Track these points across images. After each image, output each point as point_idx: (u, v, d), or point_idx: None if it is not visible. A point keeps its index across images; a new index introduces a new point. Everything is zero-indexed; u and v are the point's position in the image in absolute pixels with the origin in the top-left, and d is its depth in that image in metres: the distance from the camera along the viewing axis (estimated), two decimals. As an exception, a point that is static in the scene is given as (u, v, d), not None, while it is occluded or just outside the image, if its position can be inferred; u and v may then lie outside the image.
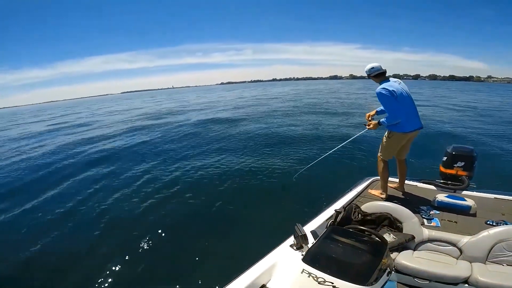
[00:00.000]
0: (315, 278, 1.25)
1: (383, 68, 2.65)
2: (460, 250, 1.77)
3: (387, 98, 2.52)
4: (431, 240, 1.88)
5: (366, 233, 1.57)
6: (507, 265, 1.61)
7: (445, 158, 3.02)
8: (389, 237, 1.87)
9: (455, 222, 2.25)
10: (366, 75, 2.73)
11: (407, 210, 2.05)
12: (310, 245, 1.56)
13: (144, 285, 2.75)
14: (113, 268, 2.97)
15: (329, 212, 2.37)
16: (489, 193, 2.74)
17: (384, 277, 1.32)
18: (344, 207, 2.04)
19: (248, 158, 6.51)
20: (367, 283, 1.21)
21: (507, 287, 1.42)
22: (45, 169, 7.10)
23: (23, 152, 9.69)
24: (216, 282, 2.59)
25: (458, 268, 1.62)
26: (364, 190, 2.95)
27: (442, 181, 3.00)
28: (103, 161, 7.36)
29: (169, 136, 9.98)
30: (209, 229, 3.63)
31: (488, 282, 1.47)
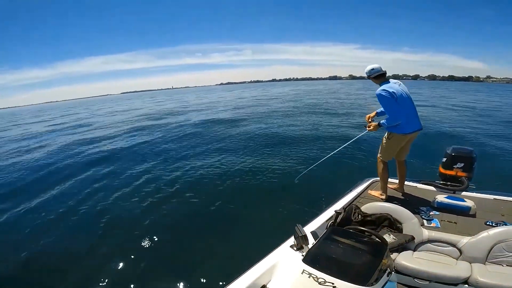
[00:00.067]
0: (316, 279, 1.26)
1: (383, 70, 2.66)
2: (460, 250, 1.78)
3: (387, 99, 2.53)
4: (431, 241, 1.89)
5: (366, 233, 1.58)
6: (507, 265, 1.61)
7: (444, 159, 3.03)
8: (389, 237, 1.88)
9: (454, 223, 2.25)
10: (366, 76, 2.73)
11: (407, 211, 2.05)
12: (310, 245, 1.57)
13: (144, 285, 2.75)
14: (113, 268, 2.98)
15: (329, 213, 2.38)
16: (488, 194, 2.75)
17: (384, 278, 1.33)
18: (344, 208, 2.04)
19: (248, 158, 6.51)
20: (367, 284, 1.22)
21: None
22: (45, 169, 7.11)
23: (23, 152, 9.69)
24: (216, 283, 2.60)
25: (458, 269, 1.63)
26: (364, 191, 2.95)
27: (441, 182, 3.01)
28: (103, 161, 7.37)
29: (169, 136, 9.99)
30: (210, 229, 3.63)
31: (487, 282, 1.48)
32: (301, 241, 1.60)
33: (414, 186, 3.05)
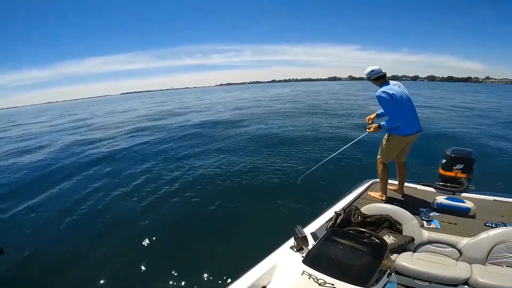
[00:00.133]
0: (316, 280, 1.26)
1: (382, 71, 2.66)
2: (460, 251, 1.78)
3: (387, 101, 2.54)
4: (430, 242, 1.89)
5: (366, 235, 1.58)
6: (507, 266, 1.62)
7: (444, 161, 3.04)
8: (389, 239, 1.88)
9: (454, 224, 2.26)
10: (366, 77, 2.74)
11: (407, 212, 2.06)
12: (310, 246, 1.57)
13: (144, 285, 2.75)
14: (113, 267, 2.98)
15: (329, 214, 2.38)
16: (488, 195, 2.75)
17: (384, 279, 1.33)
18: (344, 209, 2.05)
19: (248, 158, 6.52)
20: (367, 285, 1.22)
21: None
22: (45, 169, 7.11)
23: (23, 152, 9.68)
24: (216, 283, 2.61)
25: (457, 270, 1.63)
26: (364, 192, 2.96)
27: (441, 183, 3.01)
28: (103, 161, 7.37)
29: (169, 137, 9.99)
30: (210, 229, 3.64)
31: (488, 283, 1.48)
32: (301, 242, 1.60)
33: (414, 187, 3.06)
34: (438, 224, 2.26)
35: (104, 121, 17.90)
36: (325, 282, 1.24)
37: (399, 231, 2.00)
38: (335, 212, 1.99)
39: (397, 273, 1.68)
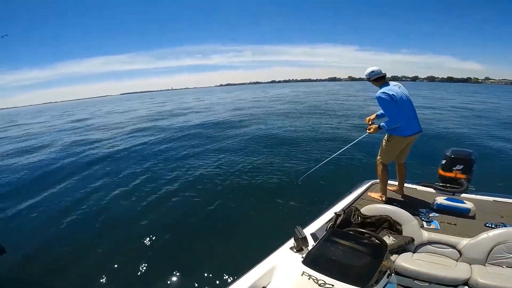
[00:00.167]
0: (315, 281, 1.26)
1: (382, 72, 2.67)
2: (460, 252, 1.78)
3: (387, 102, 2.54)
4: (430, 243, 1.89)
5: (366, 235, 1.58)
6: (507, 267, 1.62)
7: (444, 161, 3.04)
8: (388, 239, 1.88)
9: (454, 225, 2.26)
10: (366, 78, 2.74)
11: (407, 212, 2.06)
12: (310, 247, 1.57)
13: (144, 285, 2.75)
14: (113, 267, 2.98)
15: (329, 214, 2.38)
16: (488, 195, 2.75)
17: (384, 279, 1.33)
18: (343, 210, 2.04)
19: (248, 159, 6.52)
20: (367, 285, 1.22)
21: None
22: (45, 169, 7.12)
23: (22, 152, 9.68)
24: (216, 283, 2.60)
25: (458, 270, 1.63)
26: (363, 193, 2.96)
27: (441, 184, 3.01)
28: (103, 161, 7.38)
29: (169, 137, 10.00)
30: (210, 230, 3.64)
31: (488, 284, 1.48)
32: (301, 243, 1.60)
33: (413, 188, 3.06)
34: (438, 225, 2.26)
35: (104, 122, 17.91)
36: (325, 283, 1.24)
37: (399, 232, 1.99)
38: (335, 213, 1.98)
39: (397, 273, 1.68)
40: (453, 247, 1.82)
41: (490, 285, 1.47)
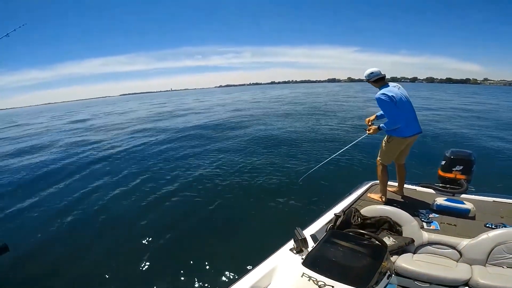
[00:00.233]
0: (315, 282, 1.26)
1: (382, 73, 2.67)
2: (460, 253, 1.78)
3: (387, 103, 2.54)
4: (430, 243, 1.89)
5: (366, 236, 1.58)
6: (507, 267, 1.61)
7: (443, 162, 3.05)
8: (388, 240, 1.88)
9: (454, 225, 2.26)
10: (365, 80, 2.74)
11: (407, 213, 2.06)
12: (310, 248, 1.56)
13: (144, 285, 2.73)
14: (113, 267, 2.98)
15: (328, 216, 2.38)
16: (487, 196, 2.76)
17: (384, 280, 1.33)
18: (343, 211, 2.04)
19: (248, 159, 6.52)
20: (367, 286, 1.22)
21: None
22: (45, 169, 7.11)
23: (23, 153, 9.67)
24: (216, 284, 2.60)
25: (458, 271, 1.63)
26: (363, 194, 2.96)
27: (441, 184, 3.02)
28: (103, 161, 7.38)
29: (169, 138, 9.99)
30: (210, 230, 3.63)
31: (488, 284, 1.48)
32: (301, 244, 1.59)
33: (413, 189, 3.06)
34: (438, 226, 2.26)
35: (104, 122, 17.90)
36: (325, 284, 1.23)
37: (399, 233, 1.99)
38: (334, 214, 1.98)
39: (397, 274, 1.67)
40: (453, 247, 1.81)
41: (491, 285, 1.47)
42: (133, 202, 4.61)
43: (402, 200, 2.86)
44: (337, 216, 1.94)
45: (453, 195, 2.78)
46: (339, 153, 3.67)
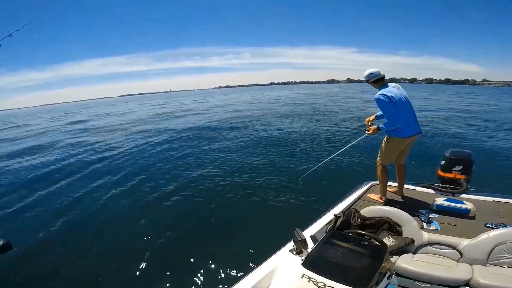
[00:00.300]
0: (315, 283, 1.25)
1: (381, 74, 2.67)
2: (460, 253, 1.77)
3: (386, 104, 2.54)
4: (431, 243, 1.88)
5: (366, 237, 1.57)
6: (508, 267, 1.61)
7: (443, 162, 3.05)
8: (388, 241, 1.87)
9: (454, 225, 2.25)
10: (365, 80, 2.75)
11: (406, 214, 2.05)
12: (309, 249, 1.56)
13: (144, 284, 2.73)
14: (113, 267, 2.98)
15: (328, 216, 2.37)
16: (487, 196, 2.76)
17: (385, 281, 1.32)
18: (343, 212, 2.03)
19: (248, 160, 6.52)
20: (367, 287, 1.21)
21: None
22: (45, 170, 7.10)
23: (23, 154, 9.64)
24: (216, 284, 2.59)
25: (459, 271, 1.62)
26: (363, 195, 2.95)
27: (440, 184, 3.01)
28: (103, 162, 7.37)
29: (169, 138, 9.98)
30: (209, 230, 3.63)
31: (489, 284, 1.47)
32: (300, 245, 1.59)
33: (413, 189, 3.06)
34: (438, 226, 2.25)
35: (103, 123, 17.87)
36: (325, 285, 1.23)
37: (399, 233, 1.99)
38: (334, 215, 1.98)
39: (398, 275, 1.67)
40: (454, 247, 1.81)
41: (492, 285, 1.47)
42: (133, 202, 4.61)
43: (402, 200, 2.86)
44: (336, 217, 1.94)
45: (453, 195, 2.78)
46: (338, 153, 3.67)
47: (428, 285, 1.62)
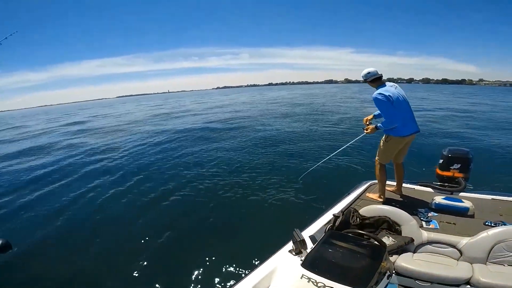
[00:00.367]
0: (315, 283, 1.24)
1: (379, 73, 2.67)
2: (460, 251, 1.77)
3: (384, 103, 2.54)
4: (430, 242, 1.88)
5: (365, 237, 1.57)
6: (508, 265, 1.61)
7: (441, 161, 3.05)
8: (388, 240, 1.86)
9: (453, 224, 2.25)
10: (363, 80, 2.74)
11: (405, 213, 2.05)
12: (308, 250, 1.55)
13: (143, 284, 2.71)
14: (113, 267, 2.98)
15: (327, 216, 2.36)
16: (486, 194, 2.76)
17: (385, 280, 1.32)
18: (342, 211, 2.03)
19: (247, 160, 6.51)
20: (367, 287, 1.20)
21: None
22: (44, 170, 7.08)
23: (22, 154, 9.61)
24: (216, 285, 2.57)
25: (459, 270, 1.62)
26: (362, 194, 2.95)
27: (439, 183, 3.01)
28: (102, 162, 7.34)
29: (168, 139, 9.96)
30: (209, 230, 3.62)
31: (490, 282, 1.47)
32: (300, 245, 1.58)
33: (412, 188, 3.05)
34: (437, 224, 2.25)
35: (101, 124, 17.78)
36: (324, 285, 1.22)
37: (398, 232, 1.98)
38: (333, 215, 1.97)
39: (398, 274, 1.66)
40: (453, 246, 1.80)
41: (492, 283, 1.46)
42: (133, 202, 4.60)
43: (400, 199, 2.85)
44: (335, 217, 1.93)
45: (452, 194, 2.78)
46: (337, 153, 3.66)
47: (429, 284, 1.61)
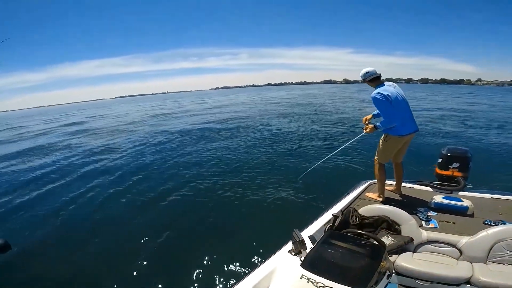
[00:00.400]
0: (314, 283, 1.24)
1: (377, 73, 2.67)
2: (460, 250, 1.77)
3: (382, 102, 2.54)
4: (430, 242, 1.87)
5: (364, 236, 1.56)
6: (508, 264, 1.60)
7: (440, 160, 3.04)
8: (387, 239, 1.86)
9: (453, 223, 2.25)
10: (361, 79, 2.74)
11: (405, 212, 2.04)
12: (308, 250, 1.54)
13: (143, 284, 2.70)
14: (112, 267, 2.97)
15: (326, 216, 2.36)
16: (485, 193, 2.76)
17: (384, 280, 1.31)
18: (341, 211, 2.02)
19: (246, 160, 6.51)
20: (367, 287, 1.20)
21: (510, 287, 1.41)
22: (43, 171, 7.04)
23: (21, 155, 9.56)
24: (215, 285, 2.56)
25: (459, 269, 1.61)
26: (361, 194, 2.94)
27: (438, 182, 3.01)
28: (100, 162, 7.32)
29: (167, 139, 9.95)
30: (208, 230, 3.61)
31: (490, 282, 1.46)
32: (299, 246, 1.58)
33: (411, 187, 3.05)
34: (437, 224, 2.25)
35: (100, 125, 17.74)
36: (324, 286, 1.21)
37: (398, 232, 1.97)
38: (332, 215, 1.96)
39: (398, 274, 1.66)
40: (453, 245, 1.80)
41: (492, 283, 1.46)
42: (132, 202, 4.60)
43: (400, 198, 2.85)
44: (335, 217, 1.93)
45: (451, 193, 2.78)
46: (336, 152, 3.66)
47: (429, 283, 1.61)
